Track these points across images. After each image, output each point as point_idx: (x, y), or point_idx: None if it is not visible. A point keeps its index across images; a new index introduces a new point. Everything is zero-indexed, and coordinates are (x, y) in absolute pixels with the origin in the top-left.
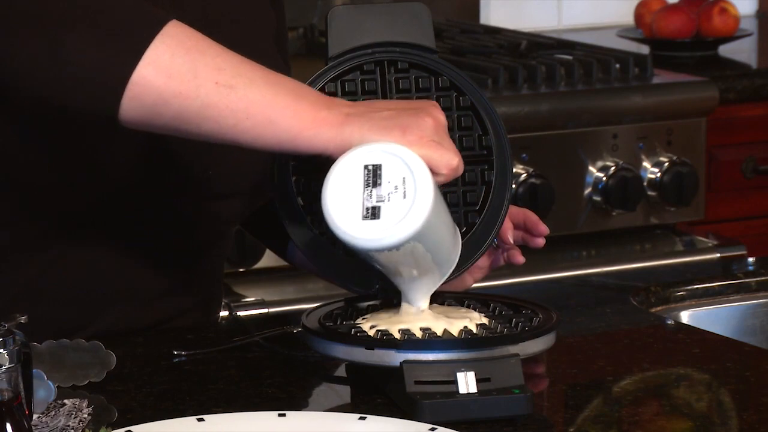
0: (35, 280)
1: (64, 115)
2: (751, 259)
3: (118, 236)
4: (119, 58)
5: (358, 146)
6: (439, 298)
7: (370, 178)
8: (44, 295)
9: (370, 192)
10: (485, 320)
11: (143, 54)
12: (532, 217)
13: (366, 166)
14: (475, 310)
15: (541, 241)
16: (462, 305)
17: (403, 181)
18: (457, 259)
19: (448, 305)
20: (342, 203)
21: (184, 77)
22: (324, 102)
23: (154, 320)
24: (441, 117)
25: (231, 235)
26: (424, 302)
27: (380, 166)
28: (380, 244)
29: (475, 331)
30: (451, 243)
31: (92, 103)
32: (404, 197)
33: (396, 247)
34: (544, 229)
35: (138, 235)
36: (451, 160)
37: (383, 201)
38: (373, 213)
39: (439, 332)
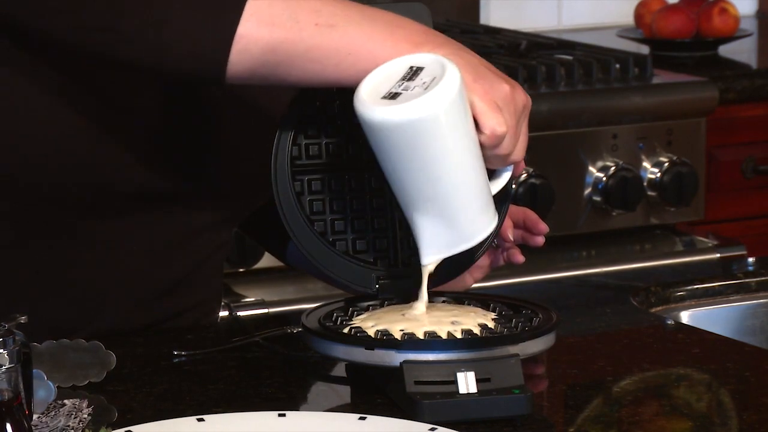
0: (34, 279)
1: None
2: (750, 259)
3: (118, 236)
4: (221, 16)
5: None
6: (439, 299)
7: (408, 74)
8: (44, 294)
9: (401, 83)
10: (491, 321)
11: (243, 8)
12: (531, 216)
13: (411, 66)
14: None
15: (540, 240)
16: (462, 305)
17: (432, 80)
18: (484, 231)
19: (457, 304)
20: (374, 86)
21: (285, 24)
22: (421, 30)
23: (153, 320)
24: (520, 96)
25: (231, 236)
26: (430, 258)
27: (422, 68)
28: (380, 117)
29: (476, 330)
30: (477, 195)
31: (201, 64)
32: (424, 89)
33: (396, 128)
34: (543, 227)
35: (138, 236)
36: (498, 126)
37: (407, 90)
38: (393, 96)
39: (443, 334)
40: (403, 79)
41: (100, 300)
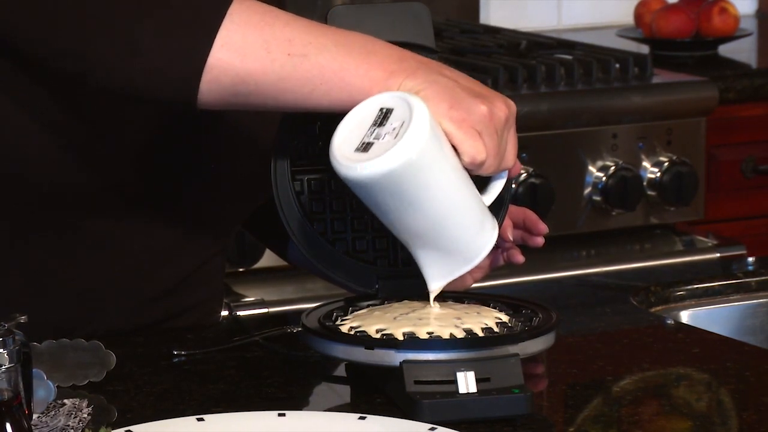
0: (34, 278)
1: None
2: (750, 259)
3: (118, 236)
4: (193, 45)
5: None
6: (439, 298)
7: (378, 118)
8: (43, 294)
9: (373, 130)
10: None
11: (215, 37)
12: (531, 216)
13: (381, 108)
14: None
15: (540, 240)
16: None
17: (401, 124)
18: (485, 248)
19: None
20: (346, 136)
21: (257, 54)
22: (395, 56)
23: (154, 320)
24: (500, 112)
25: (232, 235)
26: (436, 284)
27: (392, 109)
28: (354, 174)
29: (479, 330)
30: (470, 219)
31: (171, 92)
32: (395, 137)
33: (374, 181)
34: (543, 227)
35: (138, 236)
36: (477, 154)
37: (378, 139)
38: (366, 147)
39: (446, 335)
40: (374, 125)
41: (100, 300)
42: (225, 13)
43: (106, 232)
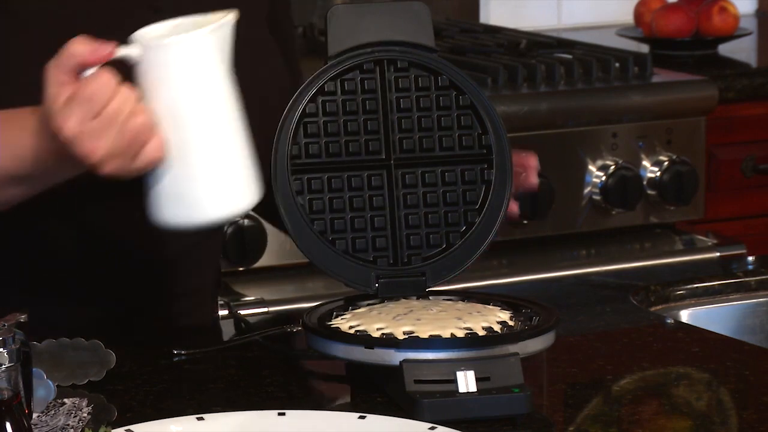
0: (27, 263)
1: None
2: (750, 258)
3: (108, 218)
4: None
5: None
6: (441, 297)
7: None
8: (37, 279)
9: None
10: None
11: None
12: (531, 162)
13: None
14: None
15: (515, 210)
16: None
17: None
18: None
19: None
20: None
21: None
22: (43, 130)
23: (146, 303)
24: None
25: (221, 229)
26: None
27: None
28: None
29: (480, 330)
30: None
31: None
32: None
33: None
34: (534, 181)
35: (128, 218)
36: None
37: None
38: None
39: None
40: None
41: (93, 282)
42: None
43: (96, 215)
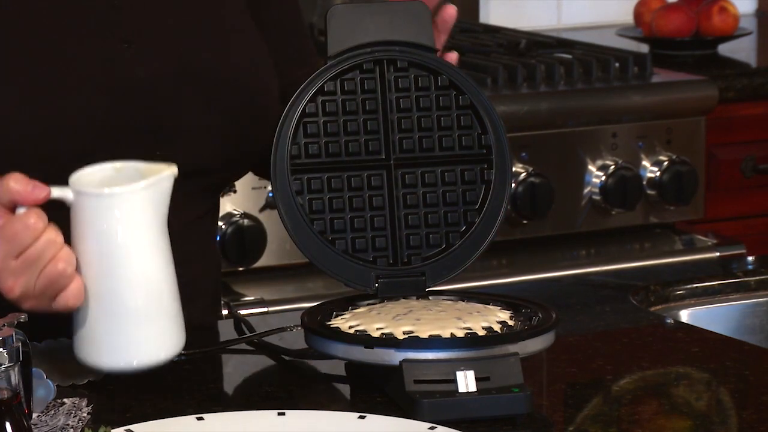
0: None
1: None
2: (750, 258)
3: None
4: None
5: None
6: (441, 297)
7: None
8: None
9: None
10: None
11: None
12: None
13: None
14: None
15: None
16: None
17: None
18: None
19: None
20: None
21: None
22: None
23: None
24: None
25: (213, 205)
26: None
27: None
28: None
29: (480, 329)
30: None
31: None
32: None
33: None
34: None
35: None
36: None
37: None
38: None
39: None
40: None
41: None
42: None
43: None
